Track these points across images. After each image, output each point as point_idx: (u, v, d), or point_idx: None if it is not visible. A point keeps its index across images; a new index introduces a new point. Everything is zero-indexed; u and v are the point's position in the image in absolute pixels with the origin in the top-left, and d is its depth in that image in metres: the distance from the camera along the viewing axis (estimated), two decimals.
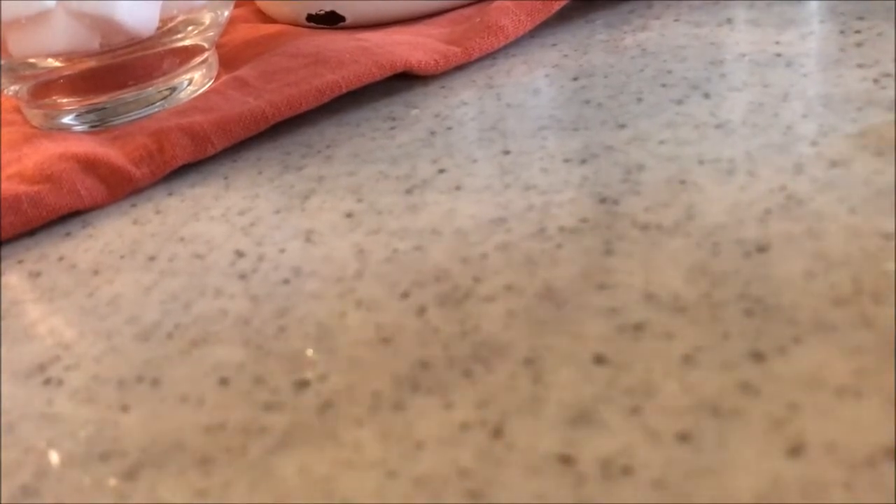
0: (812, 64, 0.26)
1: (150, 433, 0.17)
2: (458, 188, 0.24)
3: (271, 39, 0.35)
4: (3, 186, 0.26)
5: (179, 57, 0.31)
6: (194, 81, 0.32)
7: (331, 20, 0.36)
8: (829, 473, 0.14)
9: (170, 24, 0.31)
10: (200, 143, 0.27)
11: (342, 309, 0.20)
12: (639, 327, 0.17)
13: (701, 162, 0.22)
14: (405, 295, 0.20)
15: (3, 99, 0.34)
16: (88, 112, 0.31)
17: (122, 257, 0.23)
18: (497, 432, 0.16)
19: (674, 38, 0.30)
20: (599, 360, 0.17)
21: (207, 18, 0.32)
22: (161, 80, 0.31)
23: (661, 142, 0.24)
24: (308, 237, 0.23)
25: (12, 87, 0.31)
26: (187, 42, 0.31)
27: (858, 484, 0.14)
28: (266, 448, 0.16)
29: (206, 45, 0.32)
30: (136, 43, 0.30)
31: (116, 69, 0.30)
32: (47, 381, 0.19)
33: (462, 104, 0.28)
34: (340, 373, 0.18)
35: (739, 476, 0.14)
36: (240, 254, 0.23)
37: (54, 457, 0.17)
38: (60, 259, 0.24)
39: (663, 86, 0.27)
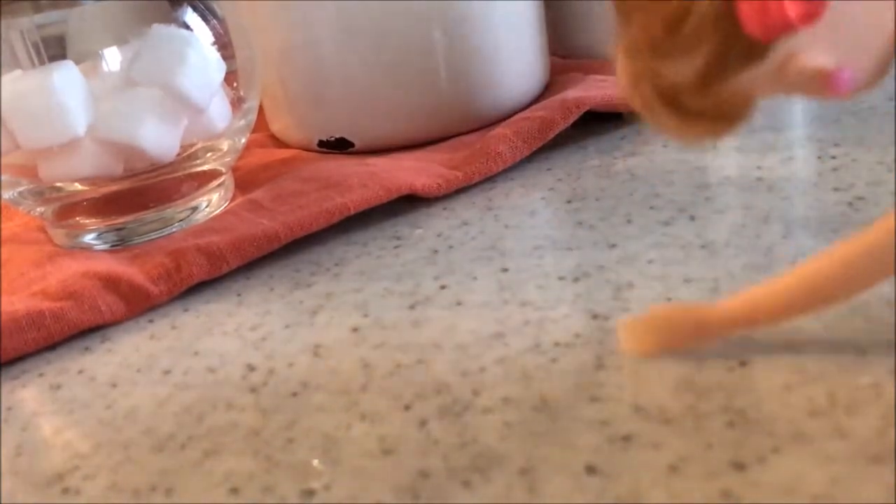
0: (791, 188, 0.28)
1: None
2: (458, 304, 0.25)
3: (284, 164, 0.37)
4: (27, 303, 0.27)
5: (198, 181, 0.33)
6: (211, 203, 0.33)
7: (341, 146, 0.38)
8: None
9: (189, 151, 0.33)
10: (216, 262, 0.29)
11: (347, 421, 0.21)
12: (627, 438, 0.18)
13: (687, 281, 0.24)
14: (407, 407, 0.21)
15: (27, 219, 0.36)
16: (109, 232, 0.32)
17: (138, 371, 0.25)
18: None
19: (662, 163, 0.32)
20: (591, 470, 0.18)
21: (225, 145, 0.34)
22: (180, 202, 0.33)
23: (650, 261, 0.25)
24: (316, 351, 0.24)
25: (38, 209, 0.33)
26: (206, 167, 0.33)
27: None
28: None
29: (223, 170, 0.34)
30: (158, 168, 0.32)
31: (138, 192, 0.32)
32: (65, 491, 0.20)
33: (463, 224, 0.30)
34: (345, 483, 0.19)
35: None
36: (251, 368, 0.24)
37: None
38: (80, 372, 0.25)
39: (652, 208, 0.28)
